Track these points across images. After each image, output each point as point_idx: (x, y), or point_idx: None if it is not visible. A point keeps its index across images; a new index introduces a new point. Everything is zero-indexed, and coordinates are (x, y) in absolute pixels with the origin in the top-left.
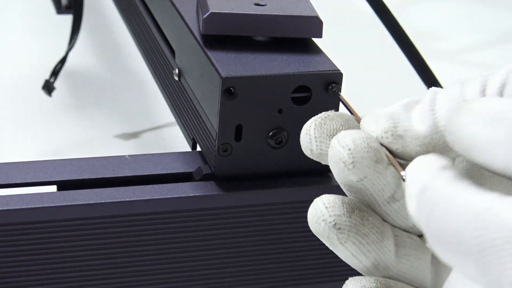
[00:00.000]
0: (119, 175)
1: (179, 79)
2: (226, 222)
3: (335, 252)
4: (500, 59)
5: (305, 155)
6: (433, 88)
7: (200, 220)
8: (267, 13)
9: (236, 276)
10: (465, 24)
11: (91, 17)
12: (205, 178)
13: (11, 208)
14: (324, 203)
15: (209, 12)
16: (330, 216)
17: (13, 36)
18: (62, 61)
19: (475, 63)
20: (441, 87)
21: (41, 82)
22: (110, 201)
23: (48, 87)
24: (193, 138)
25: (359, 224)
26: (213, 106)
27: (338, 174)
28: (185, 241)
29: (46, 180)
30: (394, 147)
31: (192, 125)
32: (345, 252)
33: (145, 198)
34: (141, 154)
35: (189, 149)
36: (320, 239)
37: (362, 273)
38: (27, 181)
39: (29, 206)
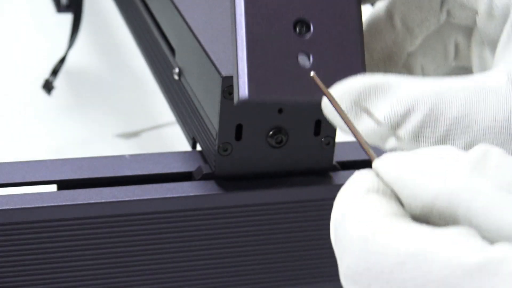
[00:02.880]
0: (119, 175)
1: (179, 78)
2: (226, 221)
3: None
4: None
5: (305, 155)
6: None
7: (200, 219)
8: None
9: (236, 275)
10: None
11: (91, 16)
12: (205, 177)
13: (11, 207)
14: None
15: (246, 97)
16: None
17: (13, 35)
18: (62, 60)
19: None
20: None
21: (41, 81)
22: (110, 200)
23: (48, 86)
24: (193, 138)
25: None
26: (213, 106)
27: None
28: (185, 241)
29: (46, 179)
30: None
31: (192, 125)
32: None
33: (145, 198)
34: (141, 154)
35: (189, 148)
36: None
37: None
38: (27, 181)
39: (29, 206)
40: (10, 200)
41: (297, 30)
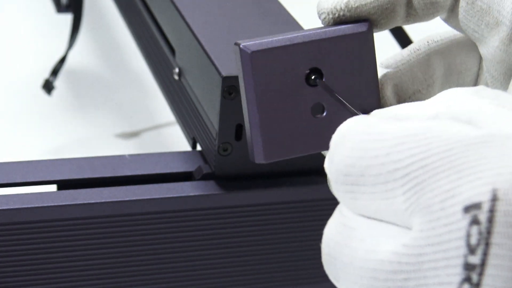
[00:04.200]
0: (119, 175)
1: (179, 79)
2: (226, 221)
3: None
4: None
5: (305, 155)
6: None
7: (200, 219)
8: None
9: (236, 275)
10: None
11: (91, 16)
12: (205, 177)
13: (11, 207)
14: None
15: (263, 161)
16: None
17: (13, 35)
18: (62, 60)
19: None
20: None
21: (41, 81)
22: (110, 200)
23: (48, 86)
24: (193, 138)
25: None
26: (213, 106)
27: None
28: (185, 241)
29: (46, 179)
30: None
31: (192, 125)
32: None
33: (145, 198)
34: (141, 154)
35: (189, 148)
36: None
37: None
38: (27, 181)
39: (29, 206)
40: (10, 200)
41: (310, 80)
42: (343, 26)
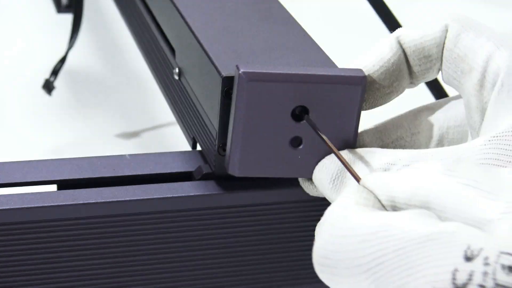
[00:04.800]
0: (119, 175)
1: (179, 78)
2: (226, 221)
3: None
4: None
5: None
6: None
7: (200, 219)
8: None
9: (236, 275)
10: None
11: (91, 16)
12: (205, 177)
13: (11, 207)
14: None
15: (236, 173)
16: None
17: (13, 35)
18: (62, 60)
19: None
20: (442, 87)
21: (41, 81)
22: (110, 200)
23: (48, 86)
24: (193, 138)
25: None
26: (213, 106)
27: None
28: (185, 241)
29: (46, 179)
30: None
31: (192, 125)
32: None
33: (145, 198)
34: (141, 154)
35: (189, 148)
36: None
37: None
38: (27, 181)
39: (29, 206)
40: (10, 200)
41: (295, 115)
42: (341, 70)
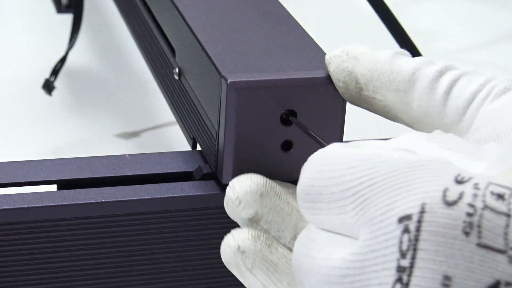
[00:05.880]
0: (119, 174)
1: (179, 78)
2: (226, 221)
3: (246, 285)
4: (500, 58)
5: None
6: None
7: (200, 219)
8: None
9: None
10: (465, 23)
11: (91, 16)
12: (205, 177)
13: (11, 207)
14: (232, 232)
15: (229, 178)
16: (234, 240)
17: (13, 35)
18: (62, 60)
19: (475, 62)
20: None
21: (41, 81)
22: (110, 200)
23: (48, 86)
24: (193, 137)
25: (266, 251)
26: (213, 106)
27: (232, 215)
28: (185, 240)
29: (46, 179)
30: (345, 65)
31: (192, 124)
32: (255, 283)
33: (145, 197)
34: (141, 153)
35: (189, 148)
36: (233, 272)
37: None
38: (27, 180)
39: (29, 205)
40: (10, 200)
41: (284, 120)
42: (324, 71)
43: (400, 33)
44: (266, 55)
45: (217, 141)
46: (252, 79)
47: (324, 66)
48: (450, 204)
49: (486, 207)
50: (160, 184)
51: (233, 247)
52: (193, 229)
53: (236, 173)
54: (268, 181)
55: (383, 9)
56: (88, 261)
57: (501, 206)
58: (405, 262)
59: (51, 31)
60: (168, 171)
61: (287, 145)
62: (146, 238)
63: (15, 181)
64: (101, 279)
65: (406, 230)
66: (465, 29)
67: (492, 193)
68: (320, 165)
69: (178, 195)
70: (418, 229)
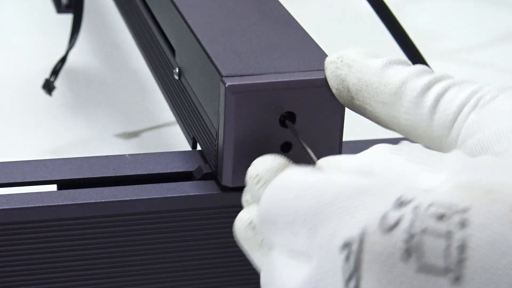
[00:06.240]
0: (119, 174)
1: (179, 78)
2: (226, 221)
3: (253, 262)
4: (500, 58)
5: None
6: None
7: (200, 219)
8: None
9: (236, 275)
10: (465, 23)
11: (92, 16)
12: (205, 177)
13: (11, 207)
14: (246, 208)
15: (230, 185)
16: (248, 214)
17: (13, 36)
18: (63, 60)
19: (475, 62)
20: None
21: (41, 81)
22: (110, 200)
23: (49, 86)
24: (193, 137)
25: None
26: (213, 105)
27: (251, 192)
28: (185, 240)
29: (46, 179)
30: (338, 72)
31: (192, 124)
32: (263, 259)
33: (145, 197)
34: (141, 153)
35: (189, 148)
36: (241, 246)
37: None
38: (27, 180)
39: (29, 205)
40: (10, 200)
41: (283, 122)
42: (322, 72)
43: (400, 33)
44: (266, 55)
45: (216, 141)
46: (250, 82)
47: (323, 67)
48: (387, 230)
49: (424, 230)
50: (160, 184)
51: (245, 222)
52: (193, 229)
53: (236, 174)
54: (290, 162)
55: (383, 9)
56: (88, 261)
57: (440, 227)
58: (352, 285)
59: (51, 31)
60: (168, 171)
61: (287, 146)
62: (146, 238)
63: (15, 181)
64: (101, 279)
65: (347, 258)
66: (465, 29)
67: (432, 214)
68: (275, 193)
69: (178, 195)
70: (358, 258)
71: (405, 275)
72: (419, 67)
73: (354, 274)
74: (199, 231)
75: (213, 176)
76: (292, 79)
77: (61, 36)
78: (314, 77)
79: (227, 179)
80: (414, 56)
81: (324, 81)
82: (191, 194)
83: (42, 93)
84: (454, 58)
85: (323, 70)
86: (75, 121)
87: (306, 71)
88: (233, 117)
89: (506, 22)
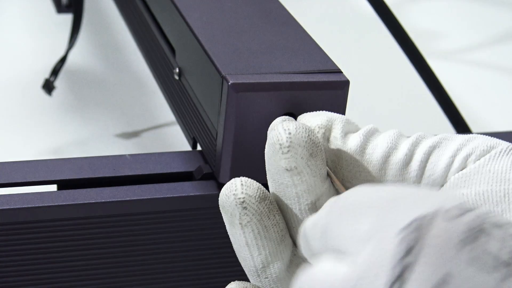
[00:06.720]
0: (120, 175)
1: (179, 78)
2: None
3: (231, 236)
4: (500, 58)
5: None
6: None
7: (200, 219)
8: None
9: (236, 275)
10: (465, 23)
11: (92, 16)
12: (205, 177)
13: (11, 207)
14: (241, 181)
15: (227, 178)
16: (242, 192)
17: (13, 35)
18: (62, 60)
19: (475, 62)
20: (442, 86)
21: (41, 81)
22: (111, 200)
23: (48, 86)
24: (194, 137)
25: (264, 214)
26: (213, 105)
27: (271, 157)
28: (185, 240)
29: (46, 179)
30: (320, 139)
31: (193, 124)
32: (240, 238)
33: (145, 197)
34: (142, 154)
35: (189, 148)
36: (222, 214)
37: (247, 274)
38: (27, 180)
39: (29, 205)
40: (10, 200)
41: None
42: (325, 75)
43: (400, 33)
44: (266, 55)
45: (216, 141)
46: (253, 81)
47: (323, 68)
48: (451, 218)
49: (483, 230)
50: (160, 184)
51: (238, 198)
52: (193, 229)
53: (234, 173)
54: (321, 144)
55: (383, 9)
56: (88, 261)
57: (498, 233)
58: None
59: (51, 31)
60: (168, 171)
61: None
62: (146, 238)
63: (15, 181)
64: (101, 279)
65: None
66: (465, 29)
67: (493, 222)
68: None
69: (178, 195)
70: (417, 238)
71: (456, 263)
72: (394, 132)
73: (407, 256)
74: (199, 231)
75: (213, 176)
76: (295, 80)
77: (61, 36)
78: (316, 79)
79: (224, 178)
80: (414, 56)
81: (326, 83)
82: (191, 194)
83: (42, 93)
84: (454, 58)
85: (324, 72)
86: (75, 121)
87: (307, 72)
88: (234, 115)
89: (506, 22)
